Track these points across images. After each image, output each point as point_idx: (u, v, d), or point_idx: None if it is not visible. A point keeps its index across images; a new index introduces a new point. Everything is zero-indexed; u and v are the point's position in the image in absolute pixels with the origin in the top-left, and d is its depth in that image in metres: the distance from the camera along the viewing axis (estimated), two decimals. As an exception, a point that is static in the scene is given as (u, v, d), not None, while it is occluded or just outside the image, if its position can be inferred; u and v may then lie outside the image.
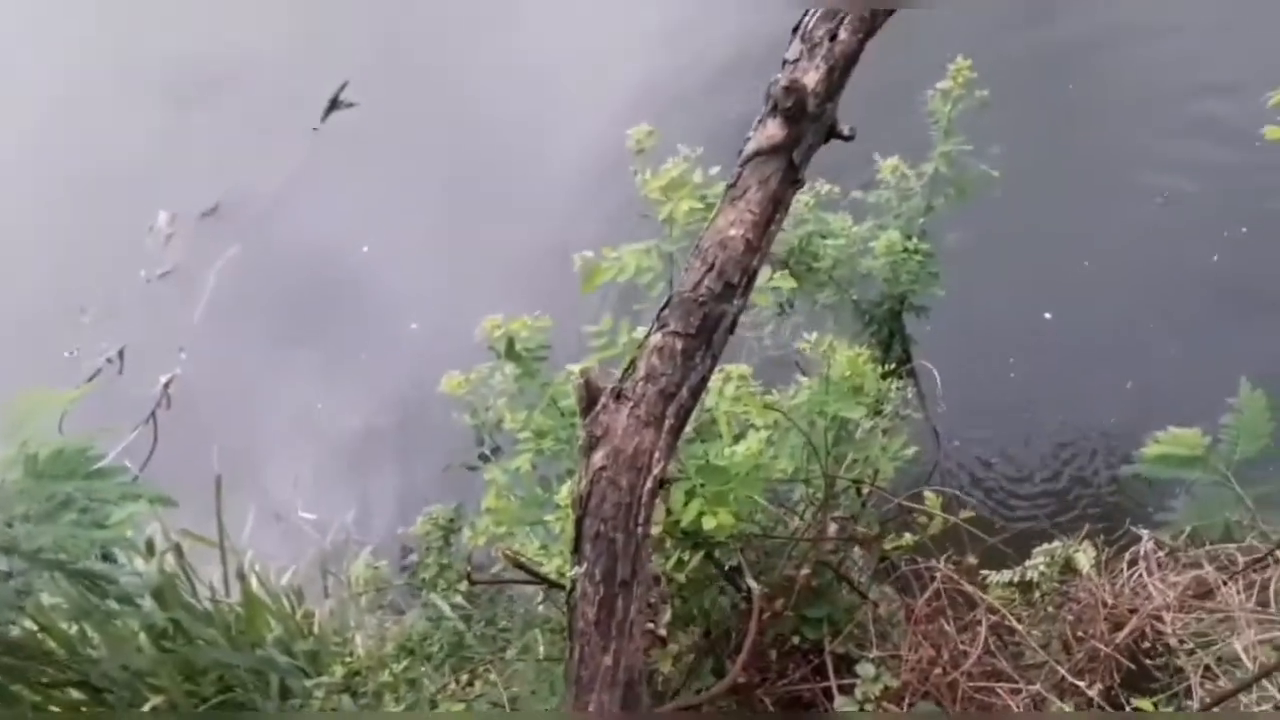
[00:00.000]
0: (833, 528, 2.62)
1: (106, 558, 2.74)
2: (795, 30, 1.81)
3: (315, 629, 3.71)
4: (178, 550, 3.49)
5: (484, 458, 3.16)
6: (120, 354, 5.82)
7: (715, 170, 2.50)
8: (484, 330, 2.58)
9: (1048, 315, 4.93)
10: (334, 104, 6.75)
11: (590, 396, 1.60)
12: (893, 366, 3.58)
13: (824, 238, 3.66)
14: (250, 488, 4.90)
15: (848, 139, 1.80)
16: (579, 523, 1.54)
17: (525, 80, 6.36)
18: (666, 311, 1.66)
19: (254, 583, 3.65)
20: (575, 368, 2.24)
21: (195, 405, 5.55)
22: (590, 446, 1.56)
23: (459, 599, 3.17)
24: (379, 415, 5.36)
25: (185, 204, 6.51)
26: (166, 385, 5.59)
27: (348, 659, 2.93)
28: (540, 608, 3.16)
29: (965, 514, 2.58)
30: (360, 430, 5.37)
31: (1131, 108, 5.47)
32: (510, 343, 2.54)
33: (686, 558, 2.25)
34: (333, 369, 5.74)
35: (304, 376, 5.71)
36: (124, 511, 2.53)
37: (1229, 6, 5.70)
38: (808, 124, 1.73)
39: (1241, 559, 2.31)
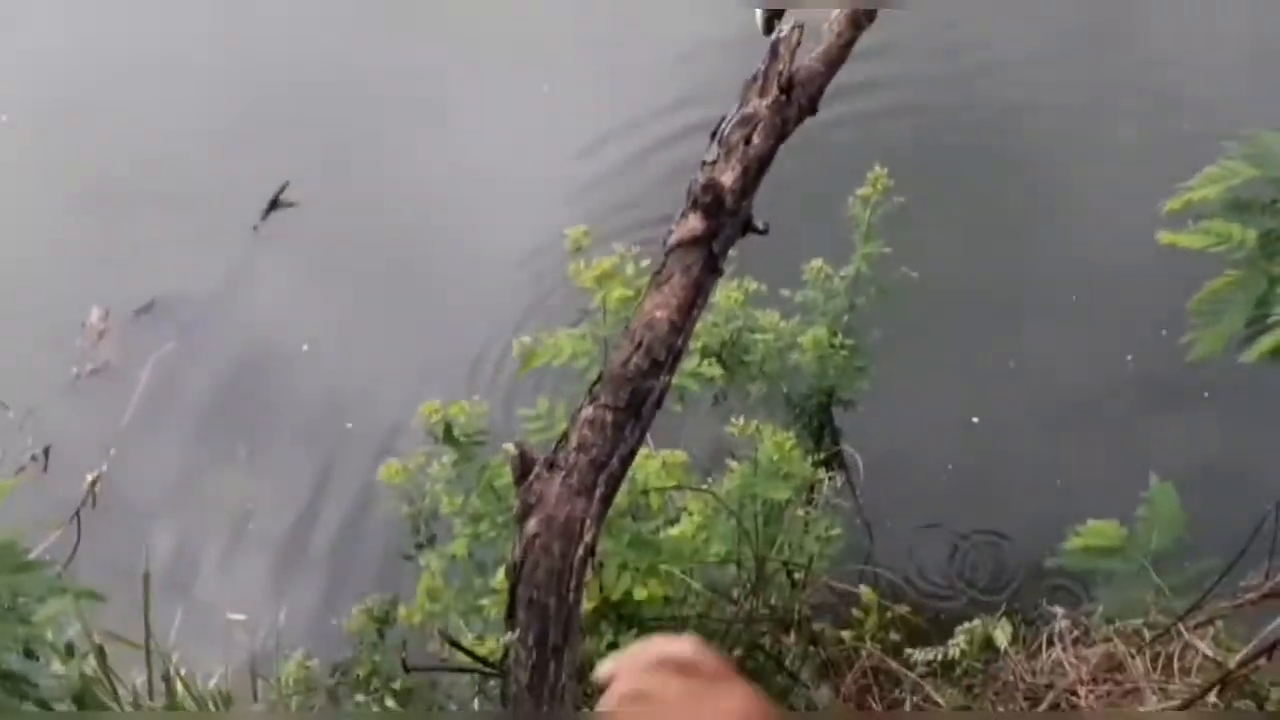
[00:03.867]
0: (765, 611, 2.67)
1: (30, 655, 2.66)
2: (713, 135, 1.97)
3: (243, 734, 3.59)
4: (100, 652, 3.38)
5: (420, 546, 3.16)
6: (45, 452, 5.68)
7: (646, 264, 2.63)
8: (422, 415, 2.64)
9: (975, 419, 5.12)
10: (274, 203, 6.82)
11: (524, 466, 1.67)
12: (822, 457, 3.70)
13: (754, 332, 3.81)
14: (178, 588, 4.77)
15: (762, 233, 1.94)
16: (513, 590, 1.58)
17: (463, 180, 6.52)
18: (598, 387, 1.75)
19: (179, 687, 3.53)
20: (510, 445, 2.30)
21: (123, 504, 5.42)
22: (524, 514, 1.62)
23: (390, 702, 3.12)
24: (311, 512, 5.29)
25: (120, 301, 6.46)
26: (93, 483, 5.46)
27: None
28: (475, 703, 3.13)
29: (899, 609, 2.66)
30: (292, 528, 5.28)
31: (1050, 212, 5.77)
32: (448, 427, 2.59)
33: (620, 640, 2.28)
34: (265, 467, 5.66)
35: (235, 475, 5.63)
36: (49, 608, 2.47)
37: (1138, 121, 6.09)
38: (725, 218, 1.87)
39: (1148, 633, 2.41)
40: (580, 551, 1.58)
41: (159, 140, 7.27)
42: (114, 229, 6.83)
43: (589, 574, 1.66)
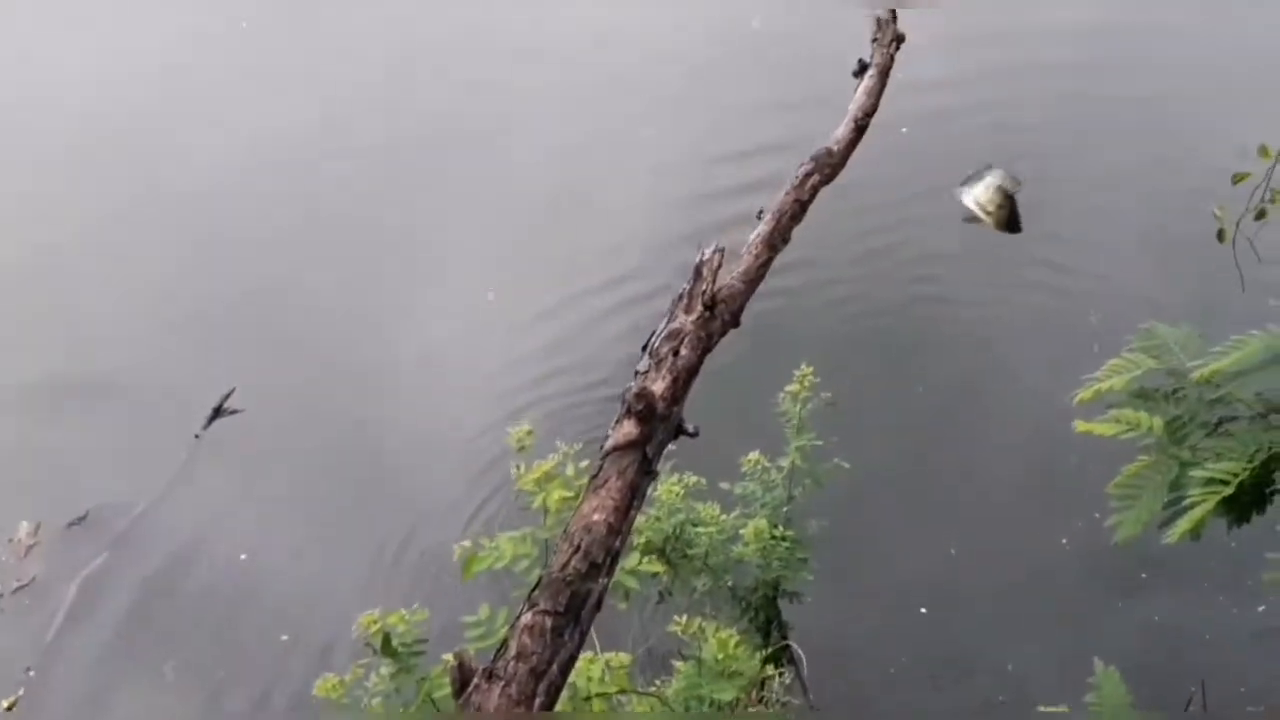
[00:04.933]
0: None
1: None
2: (644, 348, 2.10)
3: None
4: None
5: (356, 765, 3.03)
6: (-39, 675, 5.39)
7: (585, 464, 2.71)
8: (360, 626, 2.60)
9: (923, 610, 5.14)
10: (218, 412, 6.83)
11: (463, 678, 1.66)
12: (770, 651, 3.67)
13: (695, 526, 3.86)
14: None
15: (693, 436, 2.04)
16: (449, 808, 1.55)
17: (404, 382, 6.62)
18: (536, 592, 1.78)
19: None
20: (448, 656, 2.28)
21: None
22: (462, 728, 1.60)
23: None
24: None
25: (53, 513, 6.31)
26: (9, 708, 5.16)
27: None
28: None
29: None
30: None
31: (978, 403, 6.00)
32: (386, 638, 2.56)
33: None
34: (196, 683, 5.42)
35: (164, 694, 5.37)
36: None
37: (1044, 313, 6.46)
38: (658, 423, 1.98)
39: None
40: (520, 765, 1.56)
41: (101, 345, 7.33)
42: (50, 436, 6.76)
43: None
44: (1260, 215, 3.46)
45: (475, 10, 8.82)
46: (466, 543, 2.52)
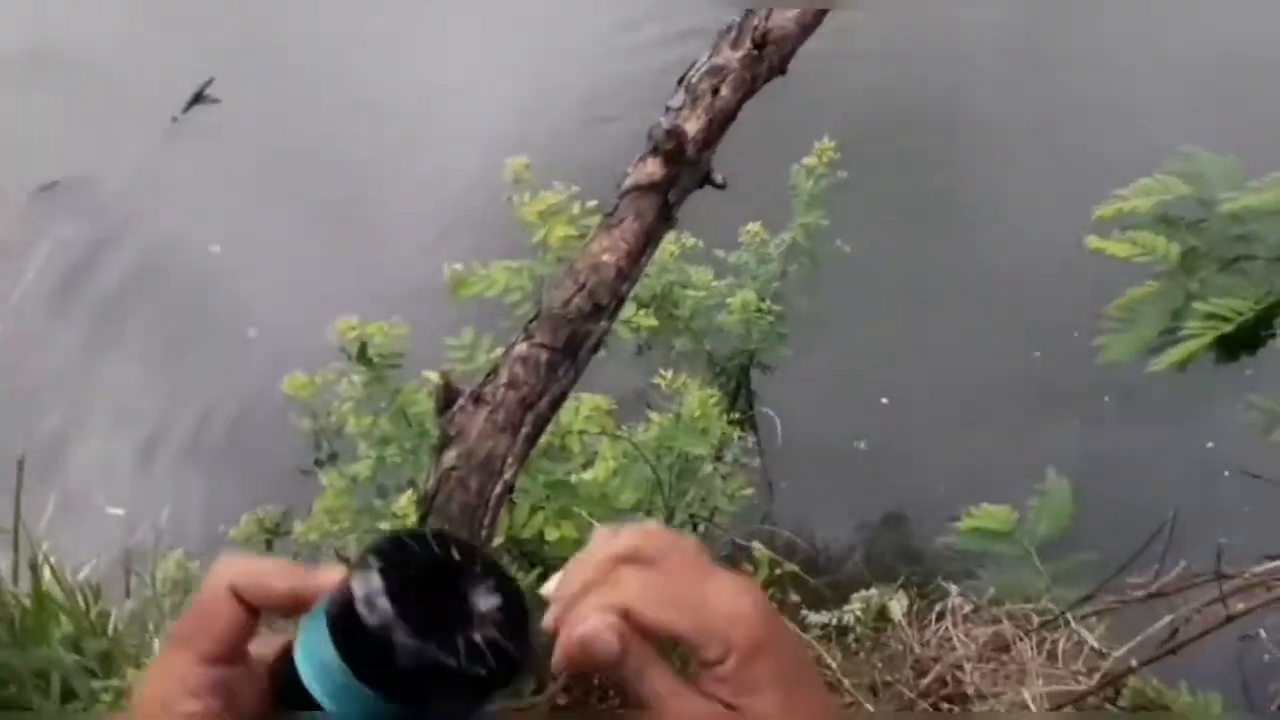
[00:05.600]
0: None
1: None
2: (680, 81, 1.91)
3: (111, 629, 3.47)
4: (-37, 533, 3.21)
5: (319, 463, 3.08)
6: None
7: (592, 204, 2.57)
8: (337, 332, 2.54)
9: (884, 400, 5.21)
10: (197, 97, 6.52)
11: (448, 397, 1.61)
12: (737, 416, 3.73)
13: (685, 288, 3.79)
14: (57, 476, 4.57)
15: (720, 187, 1.90)
16: (423, 520, 1.54)
17: (397, 106, 6.32)
18: (534, 324, 1.70)
19: (46, 574, 3.39)
20: (432, 373, 2.24)
21: (6, 387, 5.15)
22: (443, 445, 1.57)
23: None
24: (206, 416, 5.11)
25: (21, 179, 6.09)
26: (-27, 360, 5.17)
27: (144, 661, 2.77)
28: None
29: (790, 567, 2.69)
30: (185, 430, 5.10)
31: (990, 206, 5.86)
32: (363, 346, 2.51)
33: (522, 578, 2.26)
34: (161, 365, 5.45)
35: (129, 369, 5.41)
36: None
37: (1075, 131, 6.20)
38: (685, 167, 1.83)
39: (1036, 619, 2.51)
40: (498, 489, 1.54)
41: (82, 13, 6.84)
42: (18, 104, 6.43)
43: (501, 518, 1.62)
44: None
45: None
46: (458, 265, 2.42)
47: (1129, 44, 6.39)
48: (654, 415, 2.79)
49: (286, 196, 6.03)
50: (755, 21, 1.95)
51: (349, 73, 6.52)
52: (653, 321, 2.61)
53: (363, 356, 2.57)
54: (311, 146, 6.20)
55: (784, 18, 2.07)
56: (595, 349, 1.72)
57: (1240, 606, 2.05)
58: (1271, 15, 5.99)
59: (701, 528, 2.79)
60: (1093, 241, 3.27)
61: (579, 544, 2.23)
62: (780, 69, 2.03)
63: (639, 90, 5.54)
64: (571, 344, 1.68)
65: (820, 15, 2.09)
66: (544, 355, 1.65)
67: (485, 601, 0.54)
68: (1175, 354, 3.05)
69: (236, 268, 5.77)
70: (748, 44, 1.93)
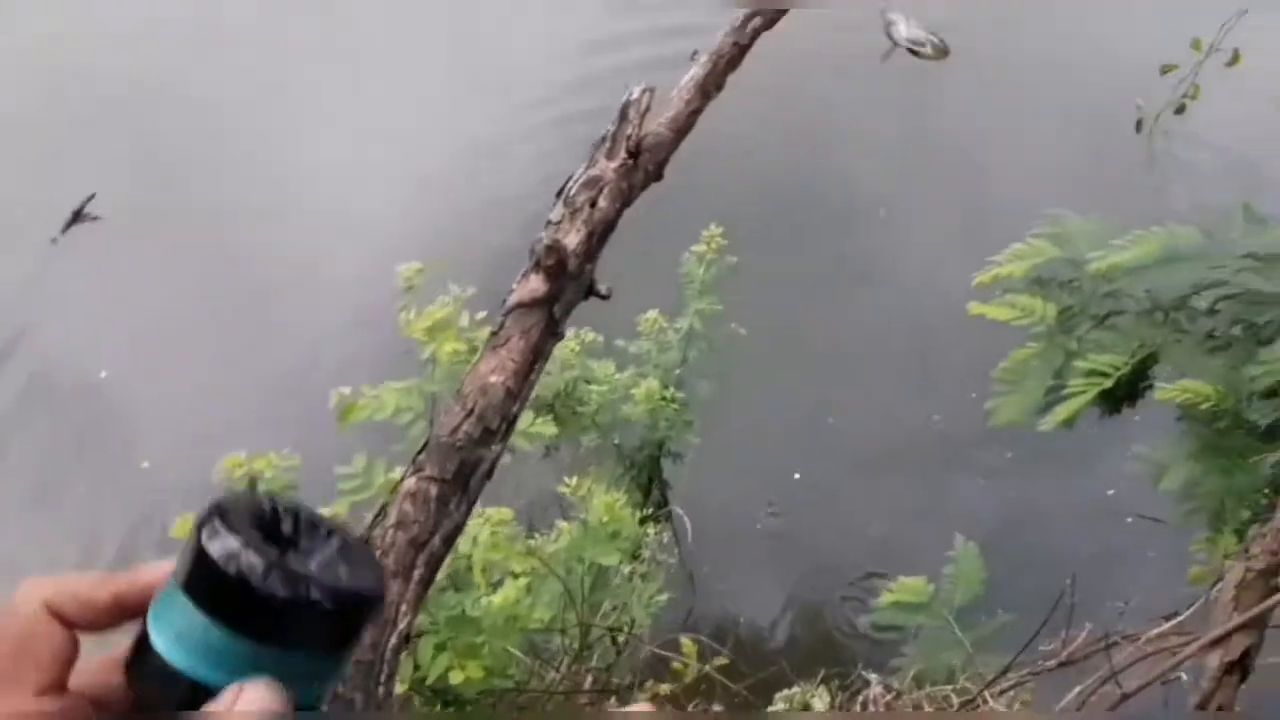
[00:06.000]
0: (588, 679, 2.60)
1: None
2: (559, 194, 1.91)
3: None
4: None
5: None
6: None
7: (481, 315, 2.54)
8: (224, 469, 2.42)
9: (796, 475, 5.26)
10: (77, 216, 6.31)
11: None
12: (650, 511, 3.69)
13: (589, 383, 3.77)
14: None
15: (604, 298, 1.89)
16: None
17: (290, 215, 6.22)
18: (423, 456, 1.63)
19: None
20: (323, 510, 2.14)
21: None
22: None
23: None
24: (90, 560, 4.83)
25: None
26: None
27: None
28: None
29: (718, 661, 2.64)
30: (69, 568, 4.79)
31: (874, 276, 6.03)
32: (253, 483, 2.39)
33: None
34: (45, 503, 5.15)
35: (7, 511, 5.09)
36: None
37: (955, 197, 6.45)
38: (568, 281, 1.81)
39: (956, 700, 2.50)
40: (394, 640, 1.46)
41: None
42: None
43: (403, 663, 1.54)
44: (1180, 110, 3.43)
45: None
46: (345, 389, 2.34)
47: (1004, 117, 6.73)
48: (563, 523, 2.73)
49: (175, 314, 5.85)
50: (629, 130, 1.97)
51: (239, 180, 6.42)
52: (552, 429, 2.55)
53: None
54: (203, 261, 6.05)
55: (657, 124, 2.10)
56: (488, 476, 1.67)
57: (1133, 685, 2.07)
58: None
59: (621, 638, 2.72)
60: (975, 307, 3.39)
61: (487, 682, 2.15)
62: (657, 175, 2.04)
63: (541, 169, 5.64)
64: (462, 474, 1.62)
65: (693, 119, 2.12)
66: (434, 489, 1.58)
67: (326, 546, 0.56)
68: (1061, 413, 3.14)
69: (126, 395, 5.55)
70: (622, 153, 1.94)
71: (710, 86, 2.10)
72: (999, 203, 6.02)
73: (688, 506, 4.48)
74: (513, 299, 1.83)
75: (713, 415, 4.34)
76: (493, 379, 1.73)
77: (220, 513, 0.55)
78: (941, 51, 3.14)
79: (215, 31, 7.14)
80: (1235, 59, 3.13)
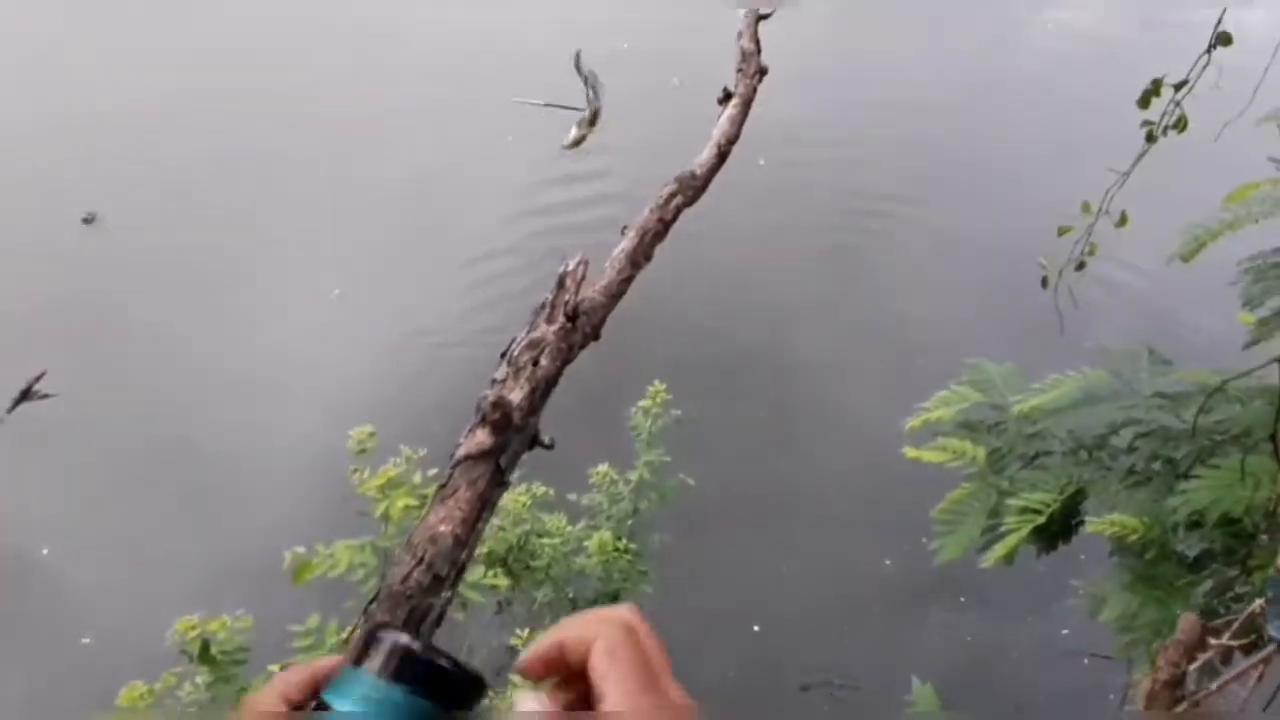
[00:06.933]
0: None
1: None
2: (503, 355, 2.06)
3: None
4: None
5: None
6: None
7: (433, 473, 2.63)
8: (176, 632, 2.44)
9: (755, 627, 5.27)
10: (25, 394, 6.32)
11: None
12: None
13: (540, 536, 3.83)
14: None
15: (548, 448, 2.00)
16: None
17: (239, 383, 6.31)
18: (374, 605, 1.70)
19: None
20: (275, 667, 2.17)
21: None
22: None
23: None
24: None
25: None
26: None
27: None
28: None
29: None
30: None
31: (816, 427, 6.21)
32: (205, 645, 2.40)
33: None
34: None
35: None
36: None
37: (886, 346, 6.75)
38: (513, 434, 1.93)
39: None
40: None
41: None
42: None
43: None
44: (1080, 266, 3.71)
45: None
46: (299, 548, 2.39)
47: (924, 278, 7.12)
48: (516, 679, 2.73)
49: (120, 489, 5.81)
50: (566, 297, 2.14)
51: (188, 351, 6.50)
52: (502, 581, 2.60)
53: (205, 656, 2.46)
54: (143, 437, 6.06)
55: (593, 290, 2.28)
56: (438, 623, 1.73)
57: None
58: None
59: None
60: (910, 452, 3.55)
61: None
62: (594, 335, 2.20)
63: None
64: (412, 620, 1.68)
65: (625, 285, 2.30)
66: (385, 637, 1.64)
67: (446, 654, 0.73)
68: (1000, 550, 3.26)
69: (69, 571, 5.44)
70: (561, 318, 2.11)
71: (639, 257, 2.29)
72: (922, 353, 6.31)
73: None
74: (460, 452, 1.94)
75: (667, 567, 4.38)
76: (442, 528, 1.81)
77: (377, 625, 0.74)
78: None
79: (178, 196, 7.36)
80: (1123, 220, 3.42)
